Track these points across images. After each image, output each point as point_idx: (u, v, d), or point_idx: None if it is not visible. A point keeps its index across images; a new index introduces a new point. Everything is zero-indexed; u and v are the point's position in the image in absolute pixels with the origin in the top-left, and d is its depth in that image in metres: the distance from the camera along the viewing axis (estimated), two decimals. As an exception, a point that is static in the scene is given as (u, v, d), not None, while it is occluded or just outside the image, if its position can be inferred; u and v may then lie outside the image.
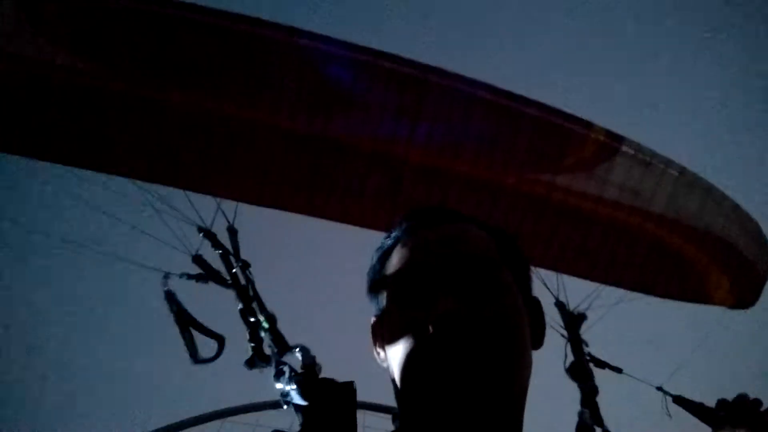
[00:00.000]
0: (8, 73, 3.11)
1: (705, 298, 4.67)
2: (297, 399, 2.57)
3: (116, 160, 3.35)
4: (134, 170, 3.39)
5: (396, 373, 0.95)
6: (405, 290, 0.98)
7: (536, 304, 1.07)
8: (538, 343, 1.04)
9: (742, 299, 4.77)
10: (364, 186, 3.71)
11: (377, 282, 1.08)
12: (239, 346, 3.45)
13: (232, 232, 3.74)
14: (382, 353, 1.05)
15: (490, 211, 3.91)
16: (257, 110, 3.36)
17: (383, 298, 1.04)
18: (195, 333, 3.27)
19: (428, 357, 0.88)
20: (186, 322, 3.32)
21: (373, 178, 3.68)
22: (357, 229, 4.09)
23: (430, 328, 0.88)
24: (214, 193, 3.57)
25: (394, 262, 1.04)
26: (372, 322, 1.10)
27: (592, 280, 4.45)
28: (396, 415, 1.01)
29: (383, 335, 1.02)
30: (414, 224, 1.08)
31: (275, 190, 3.63)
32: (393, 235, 1.10)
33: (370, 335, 1.11)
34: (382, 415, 5.48)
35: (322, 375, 2.84)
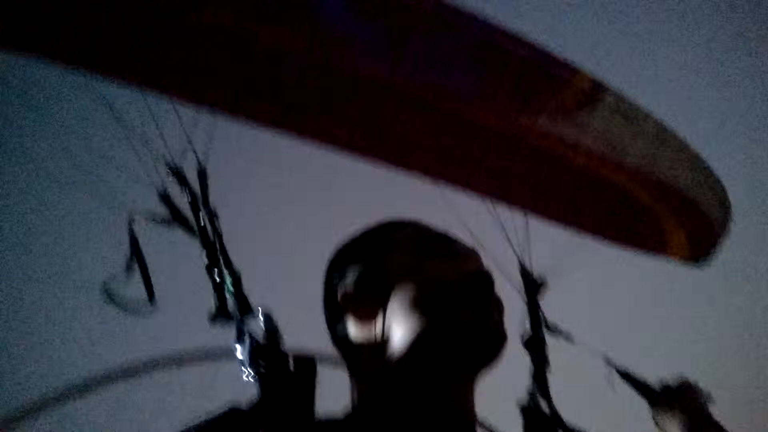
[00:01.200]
0: None
1: (662, 248, 4.90)
2: (255, 371, 2.47)
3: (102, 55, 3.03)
4: (116, 69, 3.09)
5: (399, 349, 0.89)
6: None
7: None
8: None
9: (697, 254, 5.05)
10: (344, 108, 3.63)
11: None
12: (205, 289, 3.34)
13: (202, 175, 3.54)
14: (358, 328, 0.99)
15: (469, 147, 3.90)
16: (239, 21, 3.12)
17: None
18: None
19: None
20: (141, 265, 3.25)
21: (353, 102, 3.60)
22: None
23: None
24: (189, 99, 3.34)
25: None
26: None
27: (557, 222, 4.57)
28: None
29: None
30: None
31: (253, 103, 3.46)
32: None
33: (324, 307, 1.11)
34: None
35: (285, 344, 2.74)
